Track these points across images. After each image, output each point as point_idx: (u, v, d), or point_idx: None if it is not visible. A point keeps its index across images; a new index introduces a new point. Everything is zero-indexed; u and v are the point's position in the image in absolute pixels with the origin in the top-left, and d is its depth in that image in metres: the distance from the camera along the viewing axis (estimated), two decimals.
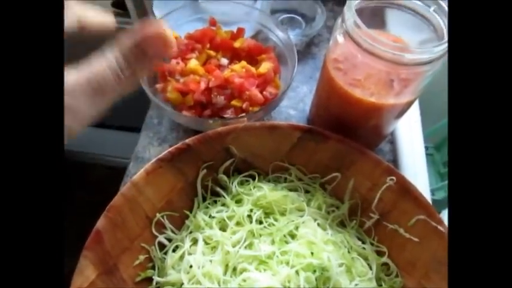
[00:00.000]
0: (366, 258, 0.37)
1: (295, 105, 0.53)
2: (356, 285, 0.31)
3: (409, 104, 0.38)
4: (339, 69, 0.38)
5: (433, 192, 0.65)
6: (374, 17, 0.38)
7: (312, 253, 0.31)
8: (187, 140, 0.38)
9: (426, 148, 0.72)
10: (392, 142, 0.50)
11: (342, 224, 0.40)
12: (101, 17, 0.28)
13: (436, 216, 0.35)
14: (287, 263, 0.31)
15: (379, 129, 0.42)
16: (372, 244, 0.38)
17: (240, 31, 0.51)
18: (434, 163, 0.70)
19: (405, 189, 0.37)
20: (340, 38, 0.35)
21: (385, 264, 0.37)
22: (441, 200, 0.64)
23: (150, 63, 0.24)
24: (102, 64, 0.22)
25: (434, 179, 0.66)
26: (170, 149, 0.38)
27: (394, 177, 0.37)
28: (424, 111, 0.67)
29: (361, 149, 0.38)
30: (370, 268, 0.36)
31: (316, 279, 0.30)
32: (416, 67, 0.33)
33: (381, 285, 0.35)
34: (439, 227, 0.35)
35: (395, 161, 0.48)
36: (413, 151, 0.49)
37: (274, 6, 0.61)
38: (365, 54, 0.33)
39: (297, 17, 0.61)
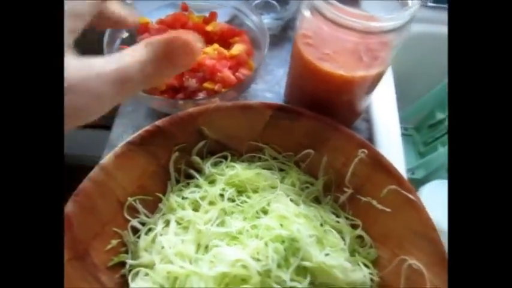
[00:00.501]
0: (340, 232, 0.37)
1: (272, 88, 0.53)
2: (327, 254, 0.31)
3: (379, 76, 0.38)
4: (308, 45, 0.38)
5: (413, 171, 0.66)
6: None
7: (281, 225, 0.31)
8: (157, 122, 0.38)
9: (406, 129, 0.73)
10: (368, 120, 0.50)
11: (317, 200, 0.40)
12: (123, 10, 0.27)
13: (406, 185, 0.35)
14: (257, 236, 0.31)
15: (352, 105, 0.42)
16: (347, 218, 0.38)
17: (213, 15, 0.51)
18: (414, 143, 0.70)
19: (377, 161, 0.37)
20: (306, 13, 0.35)
21: (360, 236, 0.37)
22: (421, 178, 0.64)
23: (176, 69, 0.24)
24: (133, 58, 0.22)
25: (414, 158, 0.67)
26: (140, 132, 0.37)
27: (365, 150, 0.37)
28: (402, 94, 0.68)
29: (334, 125, 0.38)
30: (344, 240, 0.36)
31: (285, 250, 0.30)
32: (383, 36, 0.33)
33: (355, 256, 0.35)
34: (410, 196, 0.35)
35: (370, 139, 0.49)
36: (389, 129, 0.49)
37: None
38: (331, 26, 0.33)
39: (272, 1, 0.61)
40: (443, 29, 0.62)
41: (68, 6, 0.20)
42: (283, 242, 0.30)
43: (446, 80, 0.61)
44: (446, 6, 0.61)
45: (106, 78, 0.20)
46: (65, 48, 0.20)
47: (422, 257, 0.33)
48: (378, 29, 0.32)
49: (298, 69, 0.40)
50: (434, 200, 0.54)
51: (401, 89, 0.68)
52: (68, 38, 0.20)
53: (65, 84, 0.19)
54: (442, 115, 0.62)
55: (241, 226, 0.32)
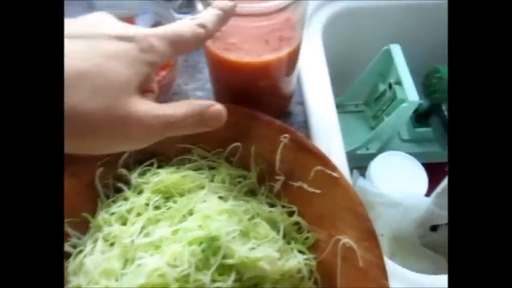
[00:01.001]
0: (275, 222, 0.36)
1: (203, 86, 0.52)
2: (252, 248, 0.30)
3: (291, 57, 0.37)
4: (214, 38, 0.37)
5: (367, 146, 0.66)
6: None
7: (200, 226, 0.30)
8: None
9: (356, 106, 0.73)
10: (303, 103, 0.49)
11: (253, 193, 0.39)
12: (187, 28, 0.29)
13: (329, 164, 0.35)
14: (176, 242, 0.30)
15: (276, 89, 0.42)
16: (283, 206, 0.38)
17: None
18: (366, 118, 0.70)
19: (299, 144, 0.36)
20: (199, 6, 0.34)
21: (297, 223, 0.37)
22: (376, 152, 0.64)
23: (203, 129, 0.29)
24: (179, 114, 0.27)
25: (368, 133, 0.66)
26: None
27: (287, 135, 0.36)
28: (347, 71, 0.68)
29: (252, 114, 0.38)
30: (279, 230, 0.35)
31: (203, 251, 0.29)
32: (279, 14, 0.32)
33: (290, 244, 0.34)
34: (334, 174, 0.34)
35: (306, 122, 0.48)
36: (324, 110, 0.48)
37: None
38: None
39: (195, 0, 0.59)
40: (370, 3, 0.62)
41: (144, 55, 0.25)
42: (201, 243, 0.29)
43: (382, 49, 0.60)
44: None
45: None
46: (132, 89, 0.25)
47: (353, 233, 0.33)
48: (270, 9, 0.31)
49: (211, 63, 0.40)
50: (384, 172, 0.54)
51: (346, 67, 0.68)
52: (136, 80, 0.25)
53: (130, 119, 0.24)
54: (383, 86, 0.61)
55: (162, 233, 0.31)
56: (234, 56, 0.35)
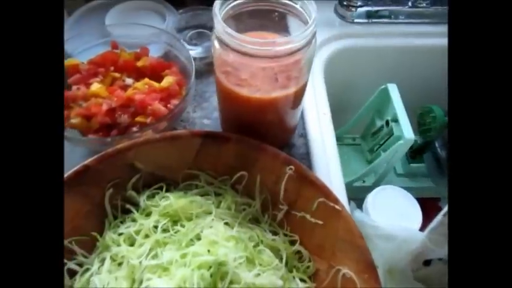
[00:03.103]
0: (277, 250, 0.37)
1: (209, 114, 0.54)
2: (257, 275, 0.32)
3: (298, 94, 0.40)
4: (226, 73, 0.39)
5: (363, 179, 0.68)
6: (253, 20, 0.40)
7: (209, 251, 0.32)
8: (85, 162, 0.38)
9: (353, 139, 0.75)
10: (305, 136, 0.52)
11: (256, 221, 0.41)
12: None
13: (332, 196, 0.36)
14: (185, 265, 0.31)
15: (281, 123, 0.44)
16: (285, 235, 0.39)
17: (144, 51, 0.52)
18: (362, 152, 0.73)
19: (303, 176, 0.38)
20: (216, 44, 0.37)
21: (299, 252, 0.38)
22: (371, 185, 0.66)
23: None
24: None
25: (364, 166, 0.69)
26: (68, 173, 0.37)
27: (292, 167, 0.38)
28: (346, 105, 0.71)
29: (259, 145, 0.40)
30: (281, 258, 0.36)
31: (212, 275, 0.30)
32: (289, 57, 0.35)
33: (292, 272, 0.36)
34: (336, 206, 0.36)
35: (308, 153, 0.50)
36: (324, 142, 0.51)
37: (184, 24, 0.63)
38: (237, 55, 0.34)
39: (206, 30, 0.63)
40: (371, 42, 0.66)
41: None
42: (210, 267, 0.30)
43: (380, 88, 0.64)
44: (368, 21, 0.65)
45: None
46: None
47: (353, 265, 0.34)
48: (282, 52, 0.34)
49: (222, 96, 0.42)
50: (380, 205, 0.56)
51: (345, 101, 0.71)
52: None
53: None
54: (380, 122, 0.64)
55: (171, 256, 0.32)
56: (245, 92, 0.38)
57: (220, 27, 0.34)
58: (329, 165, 0.48)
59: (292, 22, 0.41)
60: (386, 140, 0.62)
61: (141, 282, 0.33)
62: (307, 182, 0.38)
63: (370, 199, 0.56)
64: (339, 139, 0.74)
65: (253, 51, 0.33)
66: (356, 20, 0.65)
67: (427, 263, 0.61)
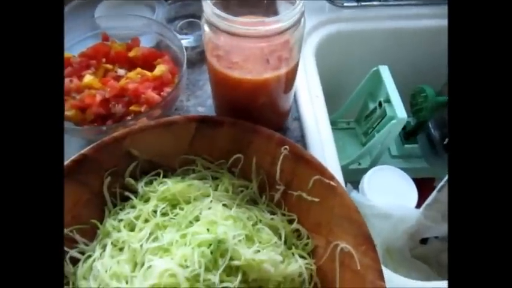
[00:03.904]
0: (276, 228, 0.38)
1: (204, 102, 0.54)
2: (257, 251, 0.32)
3: (289, 76, 0.41)
4: (217, 57, 0.39)
5: (359, 161, 0.69)
6: (242, 5, 0.41)
7: (208, 230, 0.32)
8: (83, 151, 0.38)
9: (348, 123, 0.76)
10: (299, 119, 0.52)
11: (254, 202, 0.41)
12: None
13: (327, 173, 0.37)
14: (186, 245, 0.31)
15: (273, 106, 0.44)
16: (283, 215, 0.40)
17: (135, 41, 0.52)
18: (357, 135, 0.73)
19: (298, 155, 0.39)
20: (206, 28, 0.37)
21: (297, 230, 0.39)
22: (367, 167, 0.67)
23: None
24: None
25: (359, 149, 0.69)
26: (66, 163, 0.38)
27: (287, 146, 0.39)
28: (340, 90, 0.71)
29: (253, 127, 0.40)
30: (280, 236, 0.37)
31: (212, 253, 0.30)
32: (278, 37, 0.35)
33: (291, 249, 0.36)
34: (331, 183, 0.36)
35: (303, 136, 0.51)
36: (318, 125, 0.51)
37: (173, 14, 0.63)
38: (228, 36, 0.35)
39: (196, 20, 0.63)
40: (361, 26, 0.66)
41: None
42: (210, 245, 0.31)
43: (372, 70, 0.64)
44: (358, 4, 0.66)
45: None
46: None
47: (350, 239, 0.35)
48: (272, 31, 0.34)
49: (214, 80, 0.42)
50: (376, 185, 0.57)
51: (337, 86, 0.71)
52: None
53: None
54: (373, 104, 0.65)
55: (171, 238, 0.33)
56: (237, 74, 0.38)
57: (209, 10, 0.34)
58: (324, 147, 0.49)
59: (282, 7, 0.41)
60: (380, 121, 0.63)
61: (142, 264, 0.34)
62: (303, 161, 0.38)
63: (366, 179, 0.57)
64: (334, 124, 0.75)
65: (243, 32, 0.33)
66: (345, 4, 0.66)
67: (424, 241, 0.63)
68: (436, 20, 0.68)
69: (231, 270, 0.31)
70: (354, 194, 0.57)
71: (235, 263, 0.31)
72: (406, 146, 0.72)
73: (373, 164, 0.67)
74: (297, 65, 0.41)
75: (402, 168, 0.63)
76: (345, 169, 0.68)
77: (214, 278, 0.29)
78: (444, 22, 0.68)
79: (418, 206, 0.59)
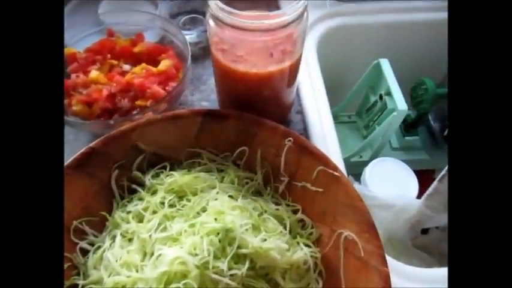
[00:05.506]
0: (281, 218, 0.39)
1: (207, 96, 0.55)
2: (264, 240, 0.33)
3: (292, 69, 0.41)
4: (222, 50, 0.40)
5: (360, 154, 0.70)
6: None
7: (216, 219, 0.33)
8: (91, 144, 0.39)
9: (349, 117, 0.77)
10: (302, 112, 0.53)
11: (259, 193, 0.42)
12: None
13: (331, 164, 0.38)
14: (194, 234, 0.32)
15: (277, 99, 0.45)
16: (288, 205, 0.41)
17: (139, 37, 0.53)
18: (358, 128, 0.74)
19: (302, 146, 0.40)
20: (211, 22, 0.38)
21: (301, 220, 0.40)
22: (368, 159, 0.68)
23: None
24: None
25: (360, 142, 0.70)
26: (75, 155, 0.39)
27: (291, 138, 0.40)
28: (340, 84, 0.72)
29: (257, 120, 0.41)
30: (285, 225, 0.38)
31: (220, 241, 0.31)
32: (282, 30, 0.36)
33: (296, 239, 0.37)
34: (335, 173, 0.37)
35: (305, 129, 0.51)
36: (321, 118, 0.52)
37: (176, 10, 0.64)
38: (233, 30, 0.35)
39: (198, 15, 0.63)
40: (362, 19, 0.67)
41: None
42: (218, 234, 0.32)
43: (372, 63, 0.65)
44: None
45: None
46: None
47: (354, 227, 0.36)
48: (276, 25, 0.35)
49: (219, 74, 0.43)
50: (378, 176, 0.58)
51: (339, 79, 0.72)
52: None
53: None
54: (374, 98, 0.66)
55: (180, 227, 0.34)
56: (242, 68, 0.39)
57: (214, 4, 0.35)
58: (326, 139, 0.50)
59: (283, 1, 0.42)
60: (381, 114, 0.64)
61: (152, 254, 0.35)
62: (307, 152, 0.39)
63: (368, 171, 0.58)
64: (335, 117, 0.75)
65: (247, 25, 0.34)
66: None
67: (425, 231, 0.64)
68: (436, 13, 0.68)
69: (238, 258, 0.32)
70: (356, 186, 0.58)
71: (243, 251, 0.32)
72: (407, 138, 0.73)
73: (374, 157, 0.67)
74: (300, 58, 0.42)
75: (403, 160, 0.64)
76: (346, 162, 0.68)
77: (223, 265, 0.30)
78: (444, 15, 0.68)
79: (419, 197, 0.60)
